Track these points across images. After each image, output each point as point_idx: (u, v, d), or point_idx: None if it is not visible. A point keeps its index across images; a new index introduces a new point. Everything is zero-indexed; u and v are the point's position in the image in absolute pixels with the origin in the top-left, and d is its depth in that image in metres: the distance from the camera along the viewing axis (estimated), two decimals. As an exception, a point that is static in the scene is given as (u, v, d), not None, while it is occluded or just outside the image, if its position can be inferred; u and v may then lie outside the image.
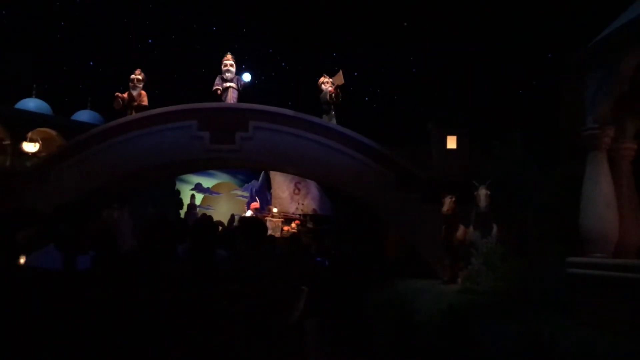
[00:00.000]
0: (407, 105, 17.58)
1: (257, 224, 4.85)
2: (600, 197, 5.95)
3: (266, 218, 24.08)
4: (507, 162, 11.03)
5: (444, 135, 13.83)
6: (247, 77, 15.25)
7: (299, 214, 25.19)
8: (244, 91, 15.31)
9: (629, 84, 5.66)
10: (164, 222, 4.39)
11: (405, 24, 19.40)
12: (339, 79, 14.69)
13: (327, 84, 14.97)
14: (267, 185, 27.34)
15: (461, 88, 14.55)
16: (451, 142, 13.67)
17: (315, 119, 14.39)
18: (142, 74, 15.50)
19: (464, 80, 15.13)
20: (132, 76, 15.33)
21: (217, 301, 3.41)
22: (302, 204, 25.70)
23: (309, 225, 24.78)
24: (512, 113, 12.38)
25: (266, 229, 5.25)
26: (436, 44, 16.14)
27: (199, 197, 26.98)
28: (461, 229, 11.40)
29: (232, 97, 14.99)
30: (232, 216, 22.79)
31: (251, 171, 28.25)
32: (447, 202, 11.56)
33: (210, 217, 14.70)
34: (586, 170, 6.16)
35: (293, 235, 13.81)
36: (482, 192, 9.98)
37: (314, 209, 25.42)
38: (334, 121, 14.67)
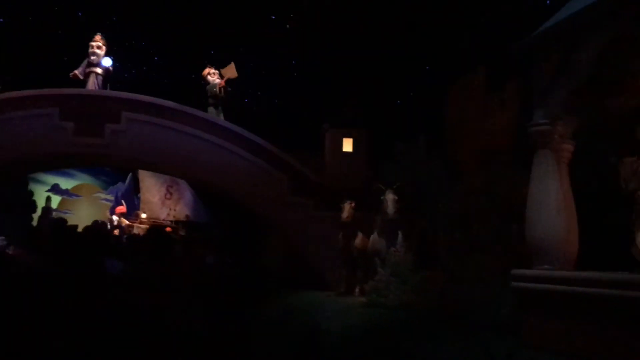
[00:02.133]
0: (298, 107, 16.67)
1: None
2: (550, 200, 5.33)
3: (133, 224, 21.91)
4: (411, 167, 10.45)
5: (339, 138, 13.07)
6: (107, 61, 13.30)
7: (171, 220, 23.23)
8: (108, 80, 13.36)
9: (587, 75, 5.08)
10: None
11: (292, 16, 18.47)
12: (231, 71, 13.38)
13: (214, 74, 13.55)
14: (134, 188, 25.02)
15: (359, 88, 13.88)
16: (347, 145, 12.92)
17: (201, 114, 12.93)
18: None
19: (362, 79, 14.50)
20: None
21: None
22: (174, 210, 23.78)
23: (181, 232, 22.92)
24: (415, 115, 11.94)
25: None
26: (331, 40, 15.40)
27: (55, 200, 23.98)
28: (360, 237, 10.60)
29: (93, 82, 12.99)
30: (96, 222, 20.36)
31: (116, 172, 25.74)
32: (346, 208, 10.72)
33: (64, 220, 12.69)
34: (533, 171, 5.52)
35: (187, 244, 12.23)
36: (390, 197, 9.22)
37: (187, 215, 23.59)
38: (221, 117, 13.30)
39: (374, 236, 9.78)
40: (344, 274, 10.85)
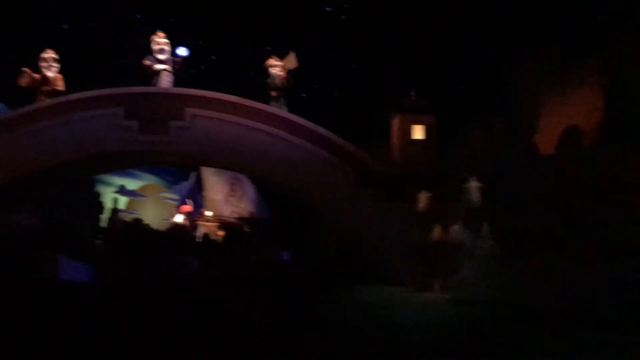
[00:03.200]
0: (362, 96, 16.03)
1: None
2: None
3: (199, 222, 21.95)
4: (487, 152, 9.70)
5: (407, 125, 12.39)
6: (182, 51, 13.04)
7: (235, 217, 23.12)
8: (181, 71, 13.13)
9: None
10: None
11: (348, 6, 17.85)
12: (292, 61, 12.93)
13: (276, 67, 13.12)
14: (198, 186, 25.07)
15: (423, 74, 13.18)
16: (418, 132, 12.23)
17: (264, 107, 12.55)
18: (55, 54, 13.04)
19: (426, 65, 13.79)
20: (45, 55, 12.86)
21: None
22: (239, 207, 23.66)
23: (246, 229, 22.78)
24: (481, 98, 11.14)
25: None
26: (392, 26, 14.76)
27: (122, 201, 24.33)
28: (438, 229, 9.96)
29: (166, 81, 12.81)
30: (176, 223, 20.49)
31: (180, 172, 25.86)
32: (422, 199, 10.14)
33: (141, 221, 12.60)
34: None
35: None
36: (474, 185, 8.55)
37: (251, 212, 23.44)
38: (284, 109, 12.88)
39: (456, 227, 9.13)
40: (421, 268, 10.24)
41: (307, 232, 15.46)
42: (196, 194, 25.20)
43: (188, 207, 22.57)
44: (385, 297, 9.76)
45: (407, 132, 12.36)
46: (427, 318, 7.31)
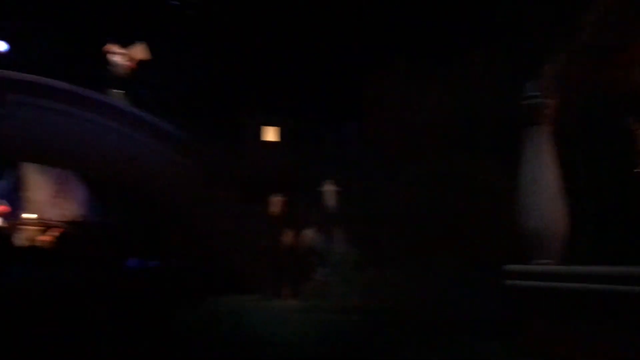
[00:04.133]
0: (215, 96, 15.16)
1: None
2: (547, 185, 4.63)
3: (19, 226, 19.47)
4: (344, 156, 9.59)
5: (260, 126, 11.95)
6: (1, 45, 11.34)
7: (64, 221, 20.88)
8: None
9: (588, 41, 4.42)
10: None
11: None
12: (141, 52, 11.81)
13: (119, 55, 11.91)
14: (18, 185, 22.31)
15: (278, 76, 12.78)
16: (271, 134, 11.83)
17: (104, 98, 11.28)
18: None
19: (282, 68, 13.39)
20: None
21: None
22: (66, 209, 21.43)
23: (78, 233, 20.66)
24: (344, 102, 11.07)
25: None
26: (249, 26, 14.16)
27: None
28: (290, 234, 9.61)
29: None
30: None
31: (-3, 168, 22.84)
32: (276, 203, 9.71)
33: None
34: (525, 150, 4.79)
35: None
36: (329, 189, 8.30)
37: (80, 215, 21.34)
38: (126, 102, 11.71)
39: (310, 232, 8.83)
40: (273, 274, 9.79)
41: (158, 236, 14.31)
42: (15, 194, 22.42)
43: (5, 208, 19.91)
44: (233, 307, 9.14)
45: (260, 133, 11.92)
46: (274, 327, 6.84)
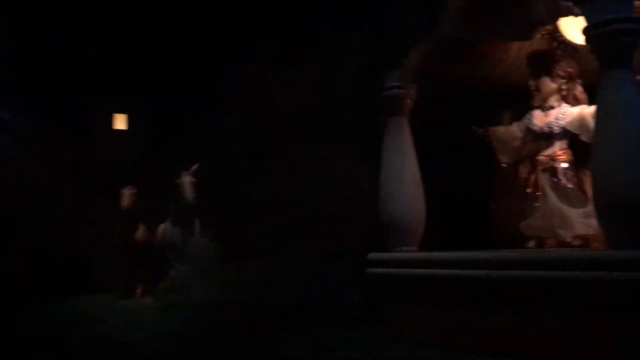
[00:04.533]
0: (61, 80, 13.75)
1: None
2: (407, 174, 4.73)
3: None
4: (204, 148, 9.21)
5: (109, 114, 11.13)
6: None
7: None
8: None
9: (447, 35, 4.54)
10: None
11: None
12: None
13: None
14: None
15: (136, 60, 11.94)
16: (120, 122, 11.07)
17: None
18: None
19: (140, 50, 12.51)
20: None
21: None
22: None
23: None
24: (204, 91, 10.60)
25: None
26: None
27: None
28: (143, 229, 9.04)
29: None
30: None
31: None
32: (126, 195, 9.07)
33: None
34: (386, 140, 4.86)
35: None
36: (187, 180, 7.89)
37: None
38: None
39: (166, 226, 8.34)
40: (125, 272, 9.15)
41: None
42: None
43: None
44: (81, 307, 8.44)
45: (109, 120, 11.11)
46: (123, 327, 6.38)
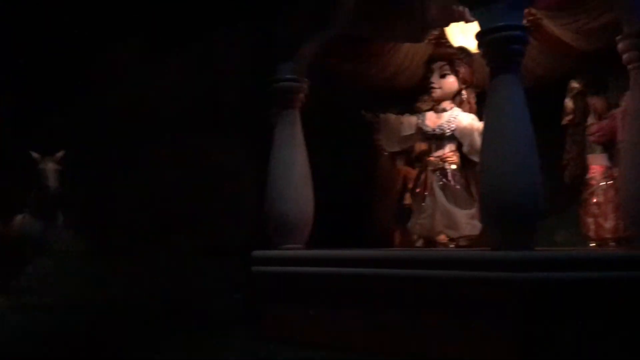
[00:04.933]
0: None
1: None
2: (298, 169, 4.60)
3: None
4: (71, 135, 8.44)
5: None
6: None
7: None
8: None
9: (343, 29, 4.48)
10: None
11: None
12: None
13: None
14: None
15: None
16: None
17: None
18: None
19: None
20: None
21: None
22: None
23: None
24: (73, 78, 9.69)
25: None
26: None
27: None
28: (-4, 221, 8.11)
29: None
30: None
31: None
32: (-22, 182, 8.09)
33: None
34: (276, 134, 4.68)
35: None
36: (50, 167, 7.15)
37: None
38: None
39: (24, 217, 7.51)
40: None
41: None
42: None
43: None
44: None
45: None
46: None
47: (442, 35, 5.15)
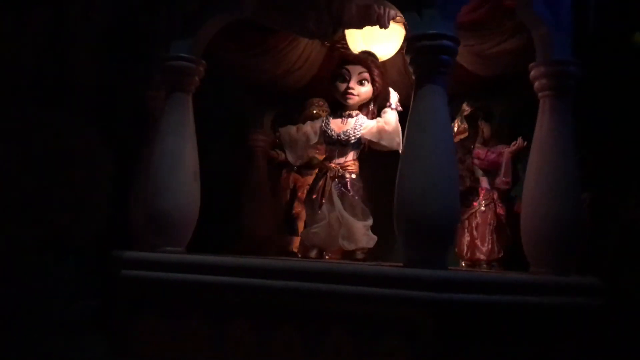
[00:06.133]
0: None
1: None
2: (187, 161, 3.99)
3: None
4: None
5: None
6: None
7: None
8: None
9: (256, 11, 4.04)
10: None
11: None
12: None
13: None
14: None
15: None
16: None
17: None
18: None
19: None
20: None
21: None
22: None
23: None
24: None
25: None
26: None
27: None
28: None
29: None
30: None
31: None
32: None
33: None
34: (164, 119, 4.07)
35: None
36: None
37: None
38: None
39: None
40: None
41: None
42: None
43: None
44: None
45: None
46: None
47: (342, 38, 4.95)
